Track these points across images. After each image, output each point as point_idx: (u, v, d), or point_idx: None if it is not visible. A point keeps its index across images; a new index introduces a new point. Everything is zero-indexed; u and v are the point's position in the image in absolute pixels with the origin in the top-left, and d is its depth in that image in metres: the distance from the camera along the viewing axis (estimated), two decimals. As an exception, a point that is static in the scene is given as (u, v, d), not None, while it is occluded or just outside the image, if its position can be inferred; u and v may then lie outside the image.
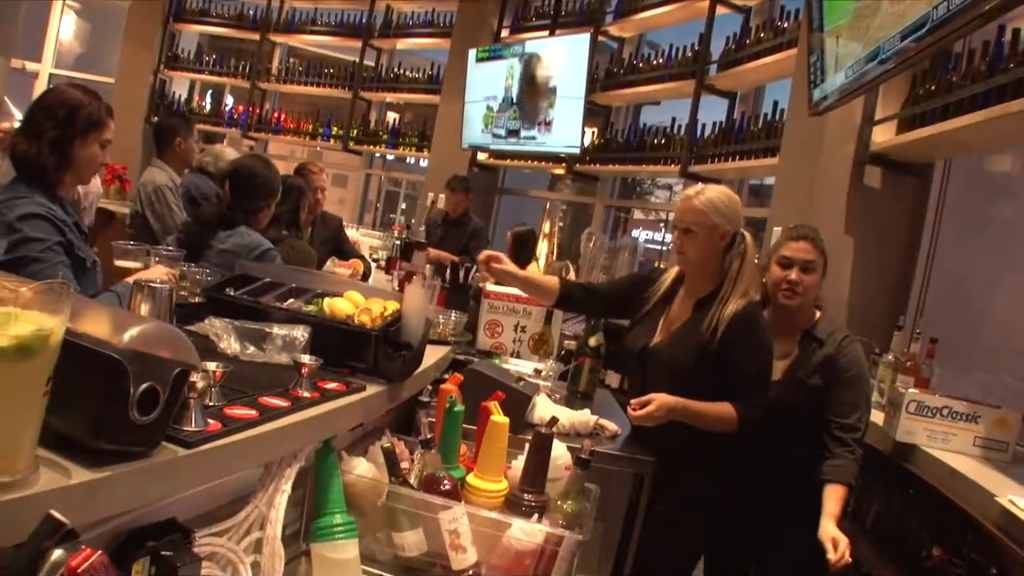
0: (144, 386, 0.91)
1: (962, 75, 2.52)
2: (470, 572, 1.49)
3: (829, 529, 1.99)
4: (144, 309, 1.24)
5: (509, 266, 2.34)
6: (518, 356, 3.02)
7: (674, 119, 5.15)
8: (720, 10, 4.79)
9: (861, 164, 3.08)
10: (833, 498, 2.05)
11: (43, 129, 1.86)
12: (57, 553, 0.77)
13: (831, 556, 1.94)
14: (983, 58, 2.44)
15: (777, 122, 4.03)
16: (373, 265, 4.44)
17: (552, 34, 6.10)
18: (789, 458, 2.18)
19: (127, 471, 0.92)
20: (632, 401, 2.08)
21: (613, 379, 3.53)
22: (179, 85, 8.52)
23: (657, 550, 2.11)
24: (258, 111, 7.90)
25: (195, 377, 1.03)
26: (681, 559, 2.17)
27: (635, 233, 8.45)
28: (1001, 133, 2.45)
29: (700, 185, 2.24)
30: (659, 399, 2.04)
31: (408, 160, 8.72)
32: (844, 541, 1.96)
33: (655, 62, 5.40)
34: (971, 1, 1.71)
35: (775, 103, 4.14)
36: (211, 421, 1.10)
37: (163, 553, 1.05)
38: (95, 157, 1.94)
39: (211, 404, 1.17)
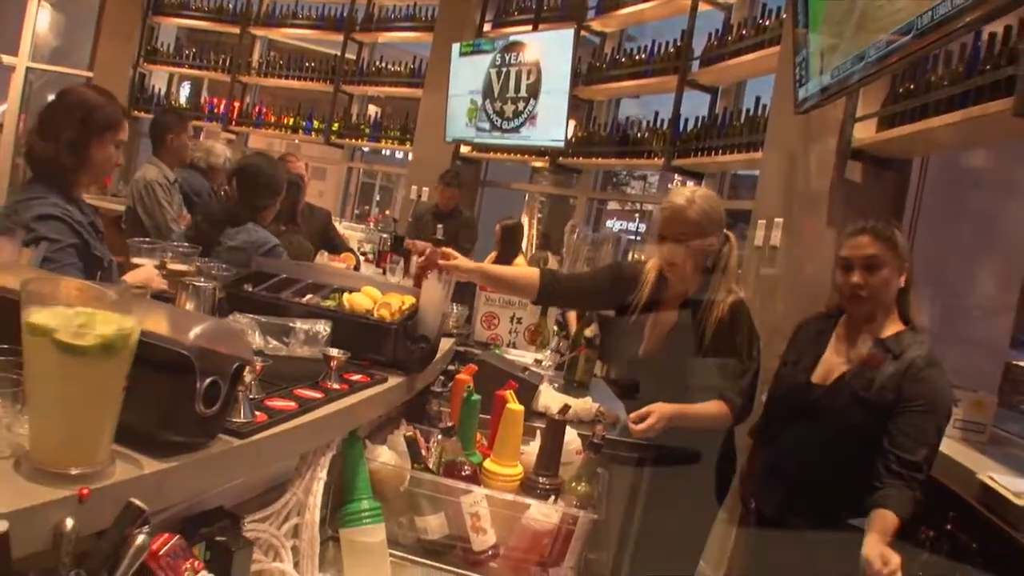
0: (208, 380, 0.97)
1: (940, 76, 2.63)
2: (490, 552, 1.56)
3: (875, 544, 1.64)
4: (190, 306, 1.30)
5: (463, 261, 2.05)
6: (514, 347, 3.10)
7: (656, 113, 5.25)
8: (702, 7, 4.87)
9: (843, 159, 3.18)
10: (880, 519, 1.71)
11: (60, 129, 1.89)
12: (141, 538, 0.82)
13: (878, 568, 1.61)
14: (960, 60, 2.53)
15: (759, 117, 4.13)
16: (362, 259, 4.49)
17: (535, 28, 6.15)
18: (823, 460, 1.98)
19: (191, 461, 0.98)
20: (631, 415, 2.08)
21: (599, 368, 3.62)
22: (158, 79, 8.44)
23: (658, 536, 2.17)
24: (239, 105, 7.86)
25: (245, 370, 1.09)
26: (682, 546, 2.21)
27: (609, 223, 8.57)
28: (977, 132, 2.55)
29: (685, 189, 2.14)
30: (657, 410, 2.03)
31: (383, 152, 8.72)
32: (895, 559, 1.62)
33: (637, 57, 5.48)
34: (957, 11, 1.80)
35: (757, 98, 4.24)
36: (257, 413, 1.17)
37: (218, 539, 1.11)
38: (111, 158, 1.97)
39: (253, 397, 1.23)
